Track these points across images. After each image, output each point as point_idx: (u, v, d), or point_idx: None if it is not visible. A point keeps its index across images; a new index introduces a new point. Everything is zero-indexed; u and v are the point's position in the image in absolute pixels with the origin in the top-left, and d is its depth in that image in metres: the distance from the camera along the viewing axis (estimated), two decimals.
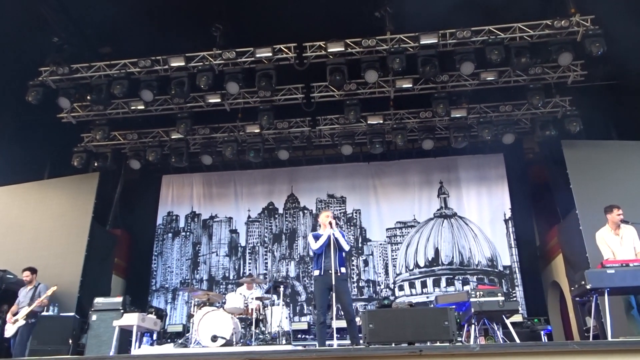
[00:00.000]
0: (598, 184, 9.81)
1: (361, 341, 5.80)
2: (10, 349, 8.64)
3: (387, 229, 12.88)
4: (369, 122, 11.22)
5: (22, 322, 8.56)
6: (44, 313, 9.16)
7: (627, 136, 10.65)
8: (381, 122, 11.20)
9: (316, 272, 6.82)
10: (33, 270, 9.15)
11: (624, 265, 6.44)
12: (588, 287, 6.29)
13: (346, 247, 6.87)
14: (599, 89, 10.77)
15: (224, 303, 8.17)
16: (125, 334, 8.72)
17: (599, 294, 6.47)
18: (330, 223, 6.79)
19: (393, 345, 5.55)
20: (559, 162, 10.55)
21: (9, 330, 8.58)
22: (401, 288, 12.30)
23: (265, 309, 8.44)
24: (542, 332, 9.42)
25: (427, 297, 11.83)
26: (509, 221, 12.42)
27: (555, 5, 9.47)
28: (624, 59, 10.06)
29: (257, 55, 9.89)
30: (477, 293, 7.39)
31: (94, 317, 9.09)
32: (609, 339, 6.21)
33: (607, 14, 9.06)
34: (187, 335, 8.37)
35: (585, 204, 9.58)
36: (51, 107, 10.65)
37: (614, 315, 6.41)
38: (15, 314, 8.69)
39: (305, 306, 12.34)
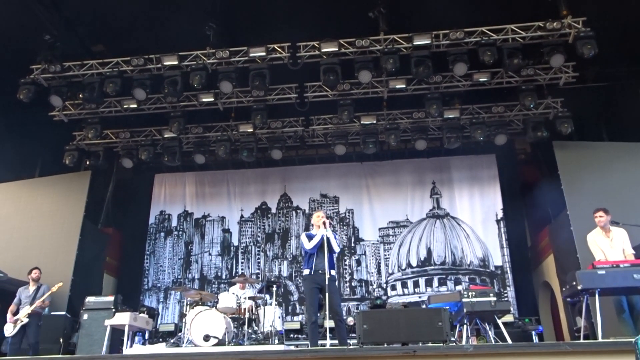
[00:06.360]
0: (589, 185, 9.88)
1: (355, 341, 5.81)
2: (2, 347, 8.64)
3: (379, 229, 12.91)
4: (362, 122, 11.23)
5: (25, 320, 8.52)
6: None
7: (618, 138, 10.76)
8: (374, 122, 11.21)
9: (306, 272, 6.82)
10: (40, 270, 9.17)
11: (614, 266, 6.50)
12: (579, 287, 6.33)
13: (337, 249, 6.89)
14: (590, 91, 10.86)
15: (217, 302, 8.16)
16: (116, 333, 8.68)
17: (589, 295, 6.52)
18: (324, 223, 6.81)
19: (387, 345, 5.56)
20: (550, 163, 10.64)
21: (8, 329, 8.51)
22: (393, 288, 12.33)
23: (258, 308, 8.42)
24: (533, 332, 9.47)
25: (420, 297, 11.87)
26: (501, 221, 12.47)
27: (547, 7, 9.52)
28: (615, 61, 10.18)
29: (251, 55, 9.88)
30: (470, 293, 7.41)
31: (85, 316, 9.02)
32: (599, 339, 6.27)
33: (599, 16, 9.14)
34: (179, 334, 8.33)
35: (576, 205, 9.66)
36: (43, 105, 10.59)
37: (604, 315, 6.46)
38: (15, 313, 8.63)
39: (297, 306, 12.34)
